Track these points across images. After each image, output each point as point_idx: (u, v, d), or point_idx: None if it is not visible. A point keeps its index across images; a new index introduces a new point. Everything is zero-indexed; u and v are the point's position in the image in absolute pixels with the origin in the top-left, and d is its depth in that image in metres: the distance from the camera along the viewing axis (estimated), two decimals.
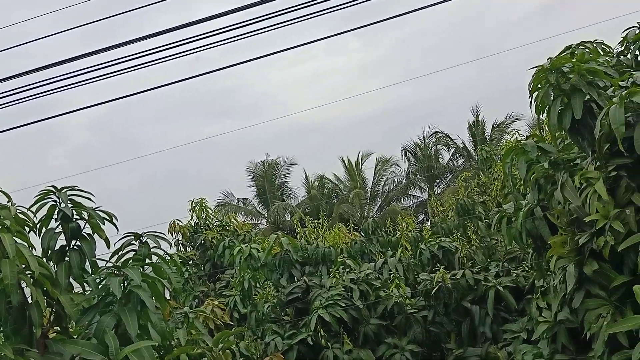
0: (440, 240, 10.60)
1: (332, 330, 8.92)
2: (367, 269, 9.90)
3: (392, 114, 43.85)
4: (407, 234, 11.86)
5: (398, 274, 9.99)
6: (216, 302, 8.27)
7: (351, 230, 14.01)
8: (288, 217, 28.20)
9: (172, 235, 13.18)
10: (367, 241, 12.27)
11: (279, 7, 6.49)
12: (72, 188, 4.68)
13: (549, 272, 7.18)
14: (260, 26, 6.68)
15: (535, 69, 6.49)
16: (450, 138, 30.59)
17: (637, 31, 7.16)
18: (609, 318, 5.56)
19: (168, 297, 7.35)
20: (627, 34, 7.34)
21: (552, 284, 6.80)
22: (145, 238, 5.30)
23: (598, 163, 5.83)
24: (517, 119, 28.63)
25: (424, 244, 10.70)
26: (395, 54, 45.70)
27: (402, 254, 10.74)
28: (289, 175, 31.75)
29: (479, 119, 30.26)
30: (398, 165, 31.38)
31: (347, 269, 9.95)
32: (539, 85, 6.45)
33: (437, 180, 30.97)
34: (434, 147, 31.34)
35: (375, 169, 31.44)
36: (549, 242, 6.77)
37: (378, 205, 31.49)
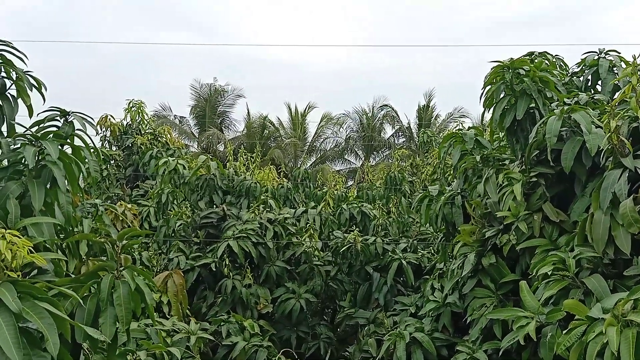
0: (362, 205, 10.87)
1: (237, 262, 9.03)
2: (287, 213, 10.02)
3: (354, 74, 43.82)
4: (333, 191, 12.08)
5: (314, 225, 10.20)
6: (129, 206, 8.12)
7: (281, 175, 14.10)
8: (221, 148, 27.81)
9: (101, 130, 12.68)
10: (293, 188, 12.38)
11: None
12: (5, 43, 4.37)
13: (451, 259, 7.59)
14: None
15: (496, 63, 6.67)
16: (397, 115, 31.02)
17: (596, 57, 7.47)
18: (491, 309, 5.99)
19: (82, 185, 7.13)
20: (585, 58, 7.65)
21: (450, 268, 7.22)
22: (72, 117, 5.09)
23: (523, 167, 6.16)
24: (464, 115, 29.43)
25: (346, 205, 10.94)
26: (376, 16, 45.31)
27: (323, 208, 10.95)
28: (233, 106, 31.17)
29: (430, 105, 30.82)
30: (341, 127, 31.56)
31: (268, 209, 10.04)
32: (494, 80, 6.65)
33: (375, 153, 31.49)
34: (380, 120, 31.71)
35: (319, 123, 31.49)
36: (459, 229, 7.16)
37: (313, 160, 31.68)
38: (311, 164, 30.77)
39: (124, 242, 4.36)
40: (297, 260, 9.67)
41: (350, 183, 29.49)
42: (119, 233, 4.28)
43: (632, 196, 4.18)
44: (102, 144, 12.73)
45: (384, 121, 31.90)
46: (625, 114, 4.94)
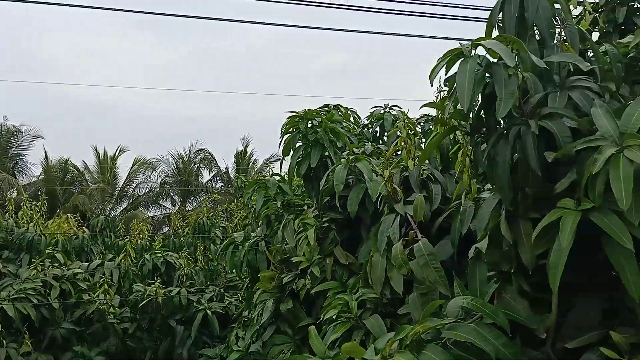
0: (167, 254, 10.32)
1: (13, 327, 7.80)
2: (78, 267, 9.03)
3: (170, 120, 42.83)
4: (135, 241, 11.30)
5: (111, 279, 9.35)
6: None
7: (79, 223, 12.83)
8: (14, 195, 24.62)
9: None
10: (91, 238, 11.31)
11: None
12: None
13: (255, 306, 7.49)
14: None
15: (292, 113, 6.92)
16: (215, 159, 30.84)
17: (382, 111, 8.21)
18: (288, 355, 5.97)
19: None
20: (374, 111, 8.36)
21: (252, 316, 7.10)
22: None
23: (317, 212, 6.38)
24: (279, 159, 30.37)
25: (149, 255, 10.29)
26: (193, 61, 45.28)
27: (123, 260, 10.14)
28: (29, 149, 27.88)
29: (247, 150, 31.26)
30: (155, 171, 30.30)
31: (55, 264, 8.95)
32: (290, 130, 6.87)
33: (191, 197, 30.71)
34: (197, 165, 31.20)
35: (130, 168, 29.80)
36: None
37: (124, 206, 29.69)
38: (122, 210, 28.79)
39: None
40: (89, 319, 8.72)
41: (165, 229, 28.17)
42: None
43: (401, 240, 4.49)
44: None
45: (202, 165, 31.45)
46: (399, 164, 5.40)
